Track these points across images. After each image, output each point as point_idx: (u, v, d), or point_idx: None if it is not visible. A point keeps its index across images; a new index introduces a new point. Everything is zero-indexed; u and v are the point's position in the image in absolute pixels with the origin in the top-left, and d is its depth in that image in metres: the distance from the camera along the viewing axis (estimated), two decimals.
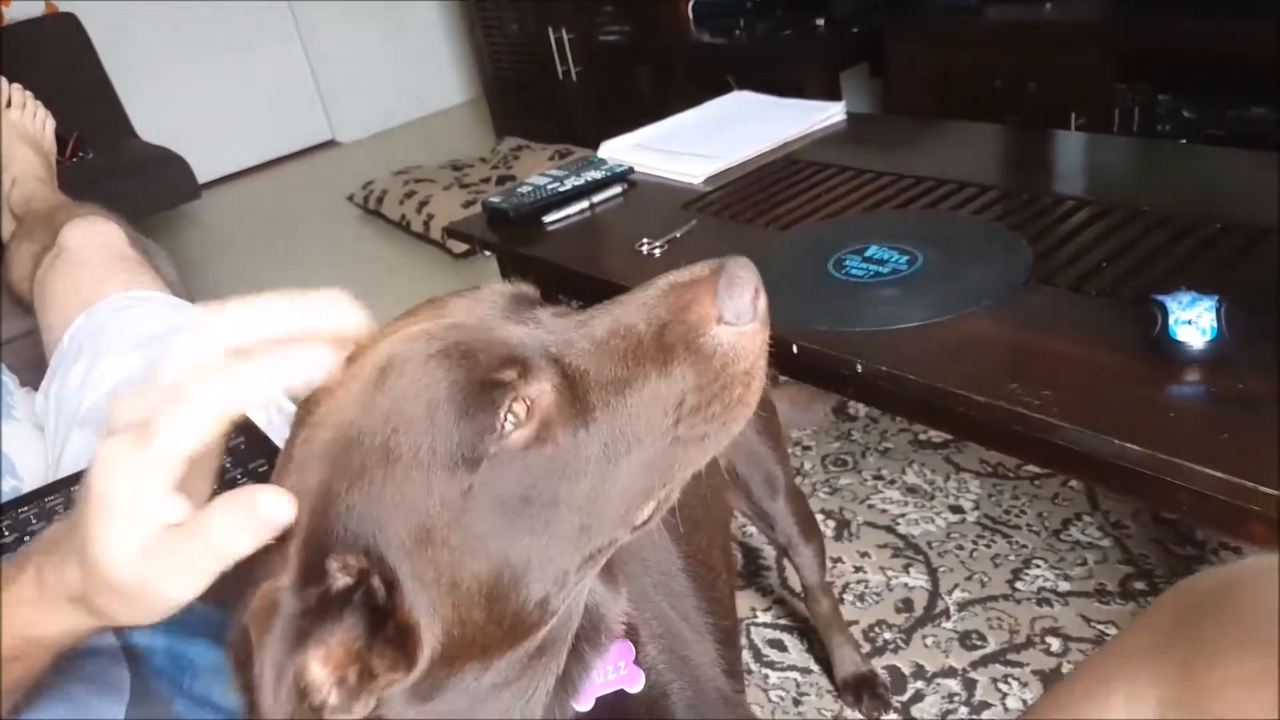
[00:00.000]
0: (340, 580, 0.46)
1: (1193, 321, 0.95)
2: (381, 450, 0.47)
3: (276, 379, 0.46)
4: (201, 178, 3.54)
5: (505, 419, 0.48)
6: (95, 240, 1.27)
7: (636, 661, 0.63)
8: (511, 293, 0.55)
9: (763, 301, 0.51)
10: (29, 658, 0.56)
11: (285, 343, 0.47)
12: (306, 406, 0.51)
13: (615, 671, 0.61)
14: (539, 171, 1.86)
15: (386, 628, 0.47)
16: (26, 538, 0.90)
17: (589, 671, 0.58)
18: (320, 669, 0.45)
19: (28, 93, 1.73)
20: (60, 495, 0.96)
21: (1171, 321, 0.96)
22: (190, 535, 0.46)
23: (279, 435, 0.97)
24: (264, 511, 0.45)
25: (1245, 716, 0.39)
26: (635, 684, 0.62)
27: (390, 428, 0.47)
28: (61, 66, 3.29)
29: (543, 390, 0.49)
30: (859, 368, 1.09)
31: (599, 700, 0.60)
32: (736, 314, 0.50)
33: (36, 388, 1.26)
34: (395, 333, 0.51)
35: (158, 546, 0.46)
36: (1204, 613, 0.44)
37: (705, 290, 0.50)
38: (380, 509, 0.47)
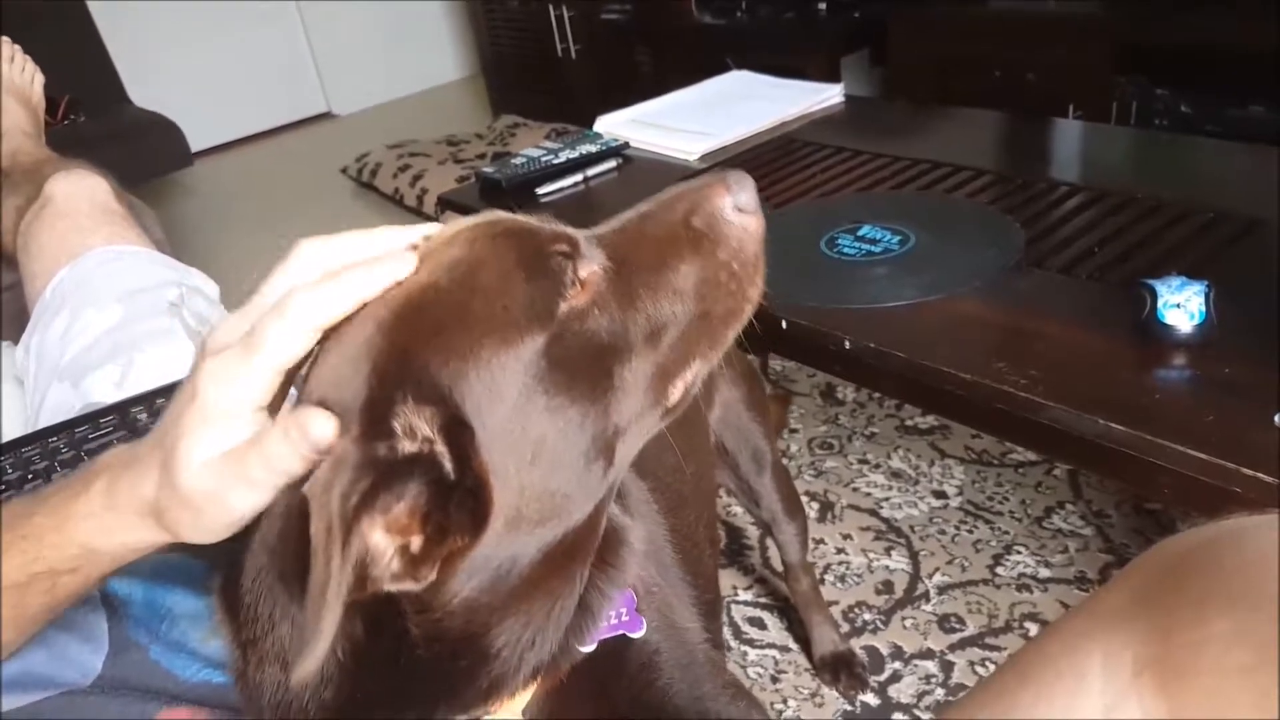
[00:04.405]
0: (405, 444, 0.47)
1: (1181, 305, 0.95)
2: (459, 310, 0.50)
3: (367, 287, 0.50)
4: (195, 146, 3.52)
5: (569, 281, 0.52)
6: (81, 193, 1.26)
7: (638, 610, 0.64)
8: (537, 217, 0.60)
9: (758, 196, 0.59)
10: (85, 570, 0.57)
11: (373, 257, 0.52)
12: None
13: (618, 616, 0.62)
14: (534, 144, 1.85)
15: (454, 491, 0.48)
16: (2, 488, 0.89)
17: (606, 601, 0.59)
18: (382, 536, 0.46)
19: (16, 46, 1.70)
20: (38, 446, 0.95)
21: (1160, 305, 0.95)
22: (253, 450, 0.48)
23: None
24: (314, 431, 0.46)
25: (1220, 674, 0.39)
26: (637, 629, 0.63)
27: (466, 290, 0.51)
28: (56, 28, 3.26)
29: (592, 270, 0.54)
30: (847, 345, 1.09)
31: (601, 644, 0.61)
32: (747, 202, 0.57)
33: (17, 342, 1.24)
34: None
35: (229, 458, 0.48)
36: (1183, 571, 0.43)
37: (718, 186, 0.57)
38: (457, 364, 0.49)
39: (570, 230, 0.56)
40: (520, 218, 0.56)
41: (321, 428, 0.46)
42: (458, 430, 0.48)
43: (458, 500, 0.48)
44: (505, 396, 0.49)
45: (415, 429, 0.47)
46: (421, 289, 0.51)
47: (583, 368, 0.52)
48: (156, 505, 0.52)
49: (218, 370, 0.49)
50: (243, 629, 0.54)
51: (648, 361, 0.54)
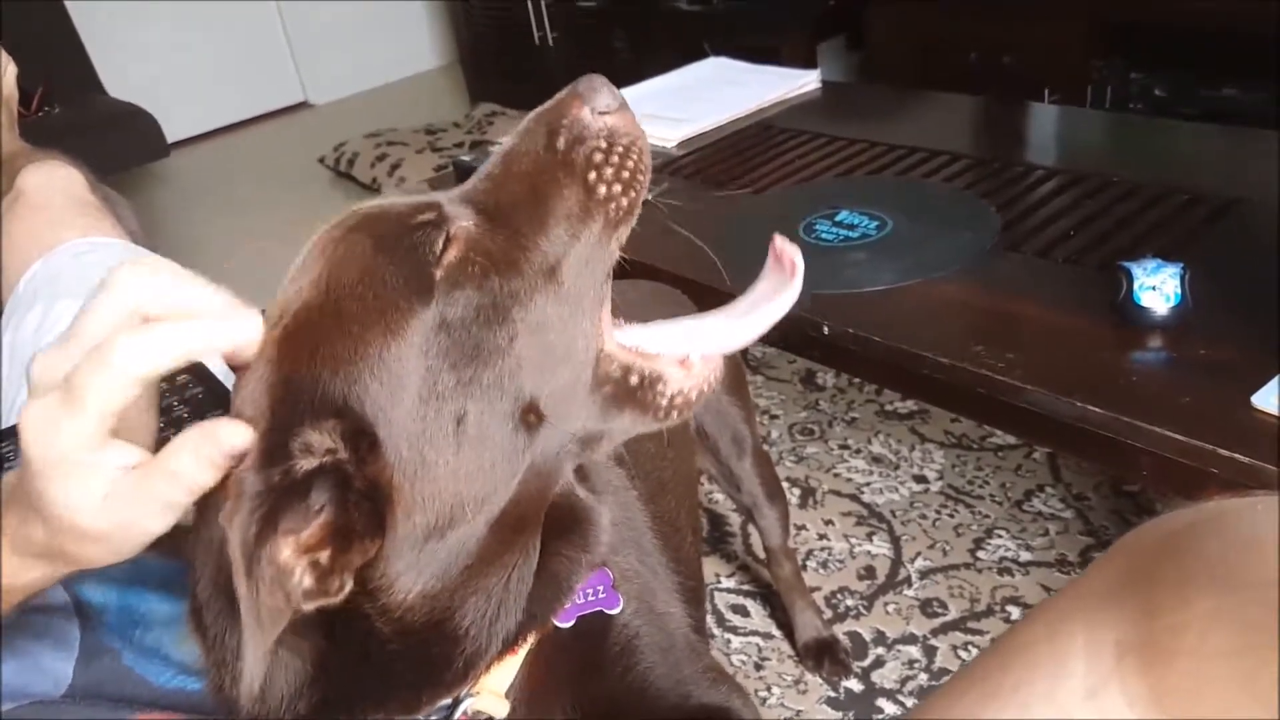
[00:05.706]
0: (304, 462, 0.46)
1: (1157, 288, 0.96)
2: (334, 317, 0.49)
3: (198, 342, 0.47)
4: (171, 136, 3.49)
5: (434, 247, 0.50)
6: (55, 184, 1.24)
7: (615, 588, 0.64)
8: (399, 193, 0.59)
9: (617, 91, 0.57)
10: (2, 605, 0.55)
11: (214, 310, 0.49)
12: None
13: (595, 594, 0.63)
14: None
15: (357, 496, 0.47)
16: None
17: (574, 569, 0.59)
18: (291, 555, 0.45)
19: None
20: (11, 444, 0.94)
21: (1136, 287, 0.96)
22: (157, 474, 0.47)
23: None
24: (225, 441, 0.46)
25: (1202, 657, 0.39)
26: (614, 606, 0.63)
27: (334, 296, 0.49)
28: (28, 18, 3.21)
29: (462, 226, 0.52)
30: (826, 329, 1.09)
31: (581, 627, 0.61)
32: (605, 104, 0.56)
33: None
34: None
35: (123, 489, 0.46)
36: (1165, 554, 0.44)
37: (570, 99, 0.56)
38: (347, 369, 0.48)
39: (431, 196, 0.54)
40: (375, 202, 0.55)
41: (235, 437, 0.46)
42: (359, 436, 0.48)
43: (353, 503, 0.47)
44: (407, 385, 0.48)
45: (314, 445, 0.46)
46: (294, 315, 0.50)
47: (485, 329, 0.50)
48: (54, 548, 0.50)
49: (39, 423, 0.46)
50: (212, 652, 0.54)
51: (557, 298, 0.52)
